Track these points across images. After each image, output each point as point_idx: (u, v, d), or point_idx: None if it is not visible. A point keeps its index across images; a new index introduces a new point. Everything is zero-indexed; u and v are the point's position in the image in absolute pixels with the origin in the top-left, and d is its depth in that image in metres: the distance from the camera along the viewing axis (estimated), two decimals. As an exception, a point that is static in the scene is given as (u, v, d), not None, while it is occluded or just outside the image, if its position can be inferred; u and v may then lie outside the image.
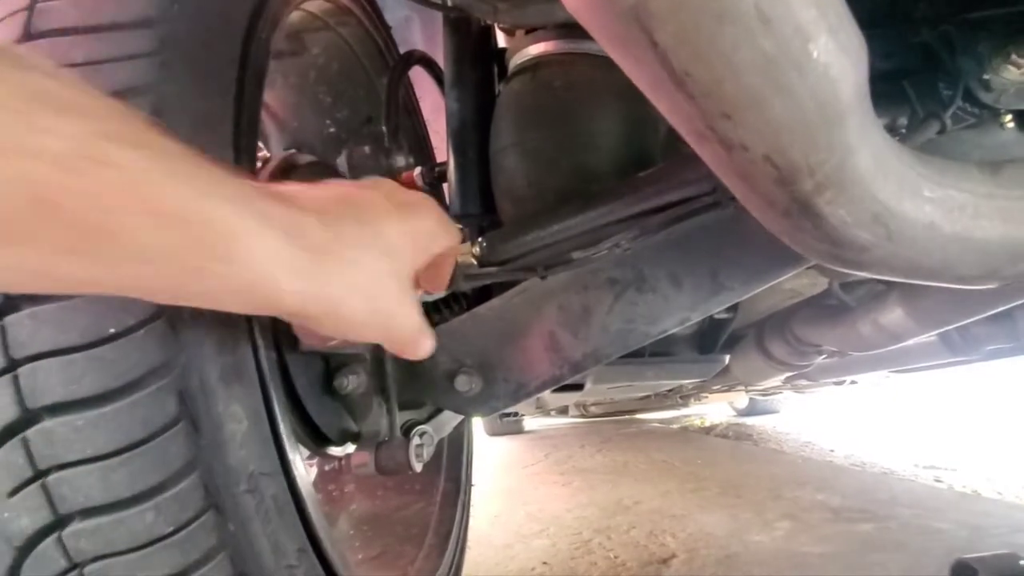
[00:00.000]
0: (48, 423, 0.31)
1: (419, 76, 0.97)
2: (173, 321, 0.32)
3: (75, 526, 0.32)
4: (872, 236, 0.33)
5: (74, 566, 0.33)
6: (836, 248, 0.34)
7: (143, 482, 0.32)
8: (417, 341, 0.41)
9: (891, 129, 0.50)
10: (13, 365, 0.31)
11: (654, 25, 0.23)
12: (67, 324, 0.31)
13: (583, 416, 3.62)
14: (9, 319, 0.31)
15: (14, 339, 0.31)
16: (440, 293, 0.54)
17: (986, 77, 0.49)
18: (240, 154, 0.40)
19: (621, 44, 0.26)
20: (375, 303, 0.34)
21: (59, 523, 0.32)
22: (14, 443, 0.32)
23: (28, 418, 0.31)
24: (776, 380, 1.69)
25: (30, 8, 0.35)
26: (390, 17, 0.99)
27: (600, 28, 0.25)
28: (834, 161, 0.29)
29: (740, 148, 0.28)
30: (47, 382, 0.31)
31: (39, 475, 0.32)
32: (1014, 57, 0.49)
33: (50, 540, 0.32)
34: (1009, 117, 0.52)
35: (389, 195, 0.38)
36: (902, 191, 0.33)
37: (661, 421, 3.91)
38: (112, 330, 0.31)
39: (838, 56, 0.25)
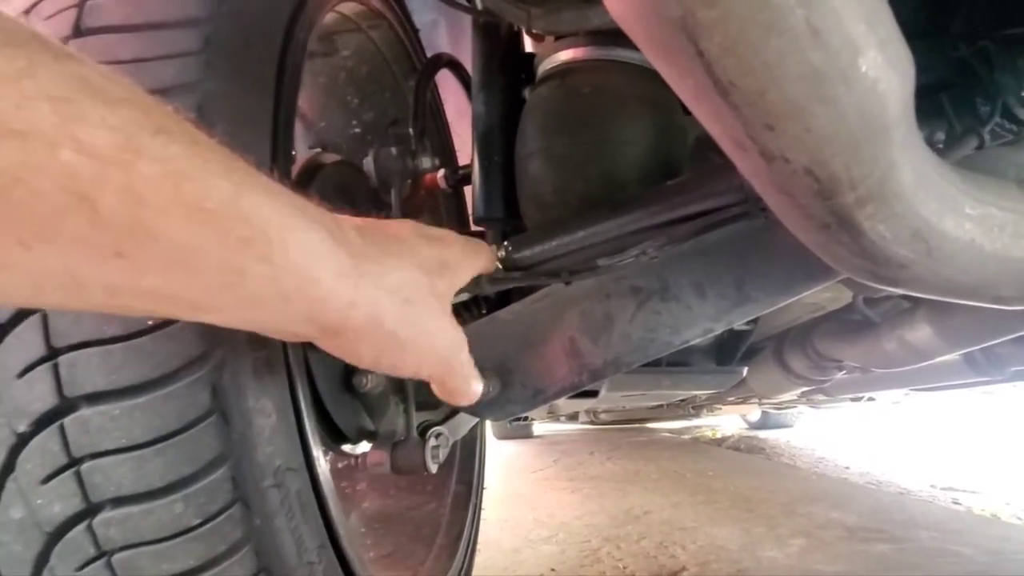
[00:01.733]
0: (85, 412, 0.32)
1: (442, 79, 0.97)
2: (209, 315, 0.33)
3: (106, 514, 0.33)
4: (911, 253, 0.33)
5: (102, 554, 0.33)
6: (874, 264, 0.34)
7: (174, 473, 0.32)
8: (467, 376, 0.40)
9: (928, 143, 0.49)
10: (54, 354, 0.32)
11: (700, 34, 0.23)
12: (109, 315, 0.31)
13: (593, 423, 3.60)
14: (52, 308, 0.32)
15: (55, 328, 0.32)
16: (463, 296, 0.54)
17: (1025, 94, 0.49)
18: (276, 150, 0.41)
19: (666, 52, 0.26)
20: (417, 315, 0.33)
21: (90, 511, 0.33)
22: (51, 431, 0.32)
23: (66, 406, 0.32)
24: (792, 394, 1.67)
25: (80, 5, 0.36)
26: (417, 20, 1.00)
27: (645, 36, 0.25)
28: (877, 175, 0.29)
29: (781, 160, 0.28)
30: (87, 371, 0.31)
31: (73, 463, 0.32)
32: (1055, 75, 0.48)
33: (80, 527, 0.33)
34: (1048, 135, 0.51)
35: (415, 227, 0.39)
36: (943, 207, 0.32)
37: (672, 431, 3.87)
38: (151, 322, 0.32)
39: (886, 71, 0.25)
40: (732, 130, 0.28)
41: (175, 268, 0.23)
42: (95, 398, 0.32)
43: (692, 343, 0.60)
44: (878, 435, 3.19)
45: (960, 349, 0.76)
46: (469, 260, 0.42)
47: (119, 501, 0.33)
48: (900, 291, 0.38)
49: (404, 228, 0.38)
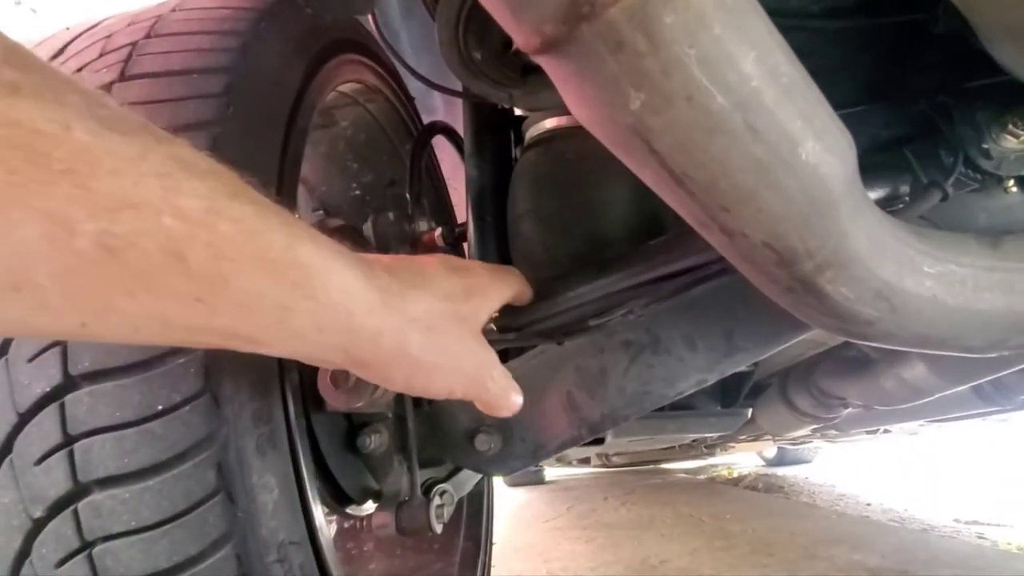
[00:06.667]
0: (97, 496, 0.33)
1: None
2: (216, 396, 0.35)
3: (115, 597, 0.34)
4: (876, 311, 0.35)
5: (110, 634, 0.34)
6: (841, 322, 0.36)
7: (182, 553, 0.33)
8: (502, 389, 0.42)
9: (894, 197, 0.52)
10: (70, 441, 0.33)
11: (652, 137, 0.26)
12: (122, 401, 0.33)
13: (605, 466, 3.52)
14: (69, 397, 0.34)
15: (72, 416, 0.34)
16: None
17: (985, 146, 0.51)
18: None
19: (624, 150, 0.28)
20: (440, 341, 0.36)
21: (101, 594, 0.34)
22: (65, 515, 0.34)
23: (80, 491, 0.34)
24: (804, 430, 1.65)
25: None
26: (412, 87, 1.06)
27: (606, 138, 0.28)
28: (831, 245, 0.31)
29: (740, 235, 0.31)
30: (100, 456, 0.33)
31: (86, 546, 0.34)
32: (1011, 127, 0.50)
33: (91, 610, 0.34)
34: (1012, 182, 0.53)
35: (441, 259, 0.42)
36: (902, 268, 0.34)
37: (687, 471, 3.78)
38: (161, 407, 0.34)
39: (825, 156, 0.28)
40: (693, 211, 0.31)
41: (240, 308, 0.27)
42: (107, 482, 0.33)
43: (686, 393, 0.61)
44: (900, 468, 3.11)
45: (957, 386, 0.76)
46: (497, 286, 0.45)
47: (128, 583, 0.34)
48: (874, 344, 0.39)
49: (431, 261, 0.41)
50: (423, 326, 0.35)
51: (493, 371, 0.41)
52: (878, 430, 1.83)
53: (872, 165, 0.52)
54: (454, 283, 0.40)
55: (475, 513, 1.02)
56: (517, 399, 0.45)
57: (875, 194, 0.51)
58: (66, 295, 0.23)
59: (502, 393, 0.43)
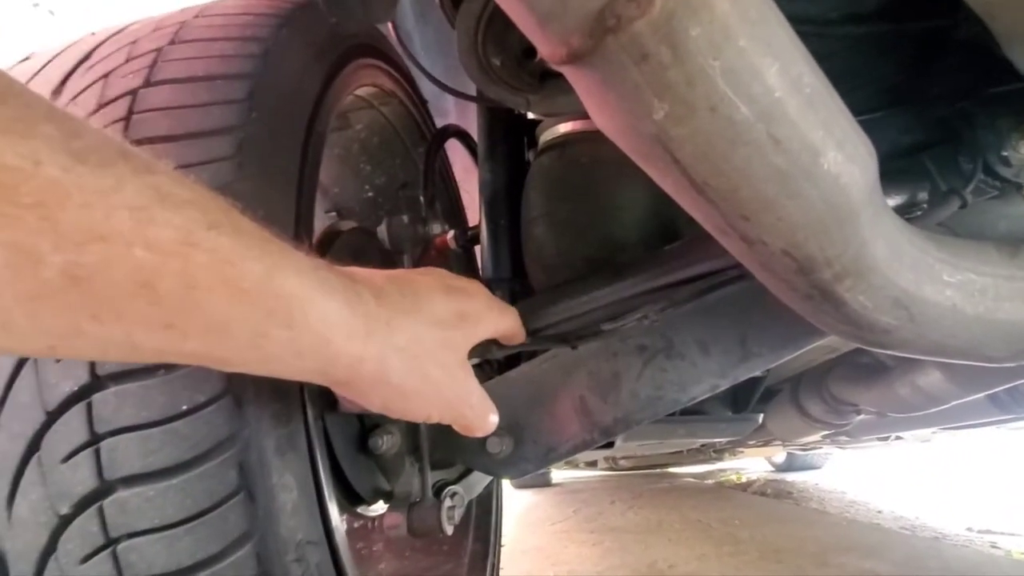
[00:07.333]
0: (123, 493, 0.34)
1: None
2: (238, 398, 0.35)
3: (138, 593, 0.34)
4: (894, 319, 0.35)
5: (133, 632, 0.35)
6: (859, 330, 0.36)
7: (203, 551, 0.34)
8: (480, 414, 0.43)
9: (913, 204, 0.51)
10: (96, 439, 0.34)
11: (674, 146, 0.26)
12: (147, 401, 0.34)
13: (612, 469, 3.51)
14: (96, 397, 0.34)
15: (99, 415, 0.34)
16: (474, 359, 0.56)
17: (1005, 153, 0.51)
18: (298, 228, 0.45)
19: (646, 159, 0.29)
20: (423, 369, 0.36)
21: (125, 590, 0.34)
22: (90, 512, 0.34)
23: (105, 489, 0.34)
24: (815, 436, 1.63)
25: (127, 118, 0.41)
26: (425, 90, 1.06)
27: (628, 146, 0.28)
28: (850, 253, 0.31)
29: (760, 243, 0.31)
30: (126, 455, 0.34)
31: (111, 543, 0.34)
32: (1031, 134, 0.50)
33: (115, 606, 0.34)
34: (1032, 189, 0.53)
35: (439, 278, 0.42)
36: (920, 276, 0.34)
37: (695, 476, 3.76)
38: (185, 407, 0.34)
39: (847, 166, 0.28)
40: (713, 219, 0.31)
41: (212, 334, 0.27)
42: (132, 480, 0.34)
43: (700, 398, 0.61)
44: (912, 475, 3.07)
45: (972, 394, 0.75)
46: (492, 316, 0.45)
47: (151, 580, 0.34)
48: (891, 352, 0.39)
49: (428, 281, 0.41)
50: (408, 354, 0.35)
51: (472, 398, 0.42)
52: (890, 437, 1.81)
53: (891, 171, 0.52)
54: (447, 307, 0.40)
55: (484, 515, 1.02)
56: (493, 419, 0.46)
57: (894, 201, 0.51)
58: (31, 319, 0.23)
59: (479, 417, 0.44)
